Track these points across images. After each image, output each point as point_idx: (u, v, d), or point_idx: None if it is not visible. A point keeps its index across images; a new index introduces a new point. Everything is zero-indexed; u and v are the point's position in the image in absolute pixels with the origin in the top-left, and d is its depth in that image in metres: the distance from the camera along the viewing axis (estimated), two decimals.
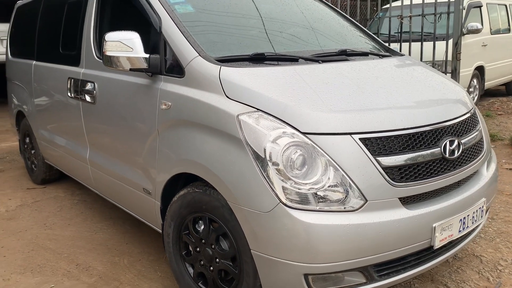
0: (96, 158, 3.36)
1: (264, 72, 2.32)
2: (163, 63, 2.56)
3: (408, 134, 2.16)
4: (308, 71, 2.38)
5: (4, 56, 5.33)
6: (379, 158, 2.05)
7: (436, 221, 2.18)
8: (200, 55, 2.40)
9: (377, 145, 2.07)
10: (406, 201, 2.14)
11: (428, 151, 2.19)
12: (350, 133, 2.04)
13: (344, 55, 2.78)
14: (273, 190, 1.97)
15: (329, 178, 1.98)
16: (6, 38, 5.41)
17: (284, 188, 1.96)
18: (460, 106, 2.52)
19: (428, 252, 2.25)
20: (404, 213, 2.08)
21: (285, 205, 1.95)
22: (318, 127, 2.03)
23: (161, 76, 2.58)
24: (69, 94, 3.54)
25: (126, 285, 2.84)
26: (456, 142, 2.31)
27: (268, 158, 1.99)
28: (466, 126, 2.48)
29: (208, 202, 2.29)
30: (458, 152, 2.31)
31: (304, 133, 2.02)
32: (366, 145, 2.05)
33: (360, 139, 2.05)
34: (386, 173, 2.05)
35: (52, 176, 4.78)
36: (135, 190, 2.90)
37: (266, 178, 1.98)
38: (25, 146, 5.01)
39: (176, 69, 2.49)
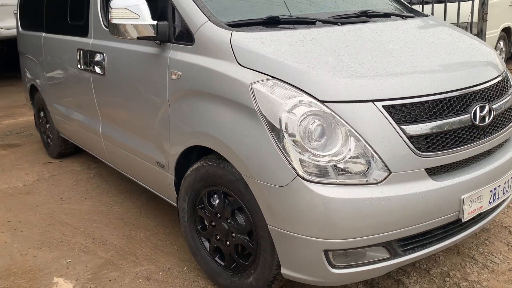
0: (108, 131, 3.29)
1: (278, 36, 2.16)
2: (172, 30, 2.42)
3: (435, 100, 2.00)
4: (326, 34, 2.21)
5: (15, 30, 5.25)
6: (404, 127, 1.90)
7: (464, 192, 2.04)
8: (210, 20, 2.25)
9: (402, 112, 1.92)
10: (433, 172, 2.00)
11: (457, 118, 2.03)
12: (373, 100, 1.89)
13: (365, 16, 2.59)
14: (289, 163, 1.85)
15: (349, 149, 1.85)
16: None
17: (301, 161, 1.84)
18: (491, 69, 2.33)
19: (456, 225, 2.13)
20: (430, 184, 1.95)
21: (303, 178, 1.83)
22: (338, 95, 1.89)
23: (170, 44, 2.44)
24: (79, 66, 3.44)
25: (142, 260, 2.80)
26: (487, 108, 2.14)
27: (284, 129, 1.86)
28: (497, 90, 2.30)
29: (222, 176, 2.20)
30: (489, 118, 2.15)
31: (322, 102, 1.88)
32: (390, 113, 1.90)
33: (383, 106, 1.90)
34: (412, 142, 1.91)
35: (68, 150, 4.75)
36: (149, 163, 2.82)
37: (282, 150, 1.86)
38: (40, 120, 4.98)
39: (185, 36, 2.35)
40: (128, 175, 3.30)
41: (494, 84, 2.28)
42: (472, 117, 2.08)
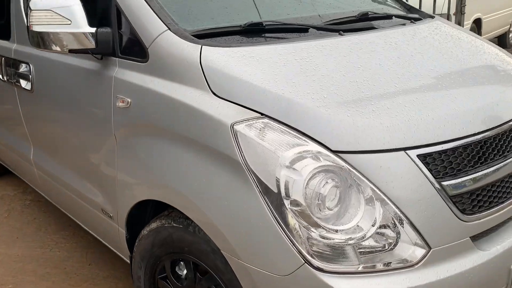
0: (42, 160, 2.60)
1: (266, 53, 1.57)
2: (117, 40, 1.79)
3: (479, 142, 1.49)
4: (329, 49, 1.65)
5: None
6: (444, 183, 1.38)
7: None
8: (170, 28, 1.64)
9: (441, 162, 1.40)
10: (476, 238, 1.50)
11: (504, 163, 1.54)
12: (404, 148, 1.36)
13: (367, 20, 2.04)
14: (293, 244, 1.29)
15: (375, 220, 1.31)
16: None
17: (309, 239, 1.29)
18: None
19: None
20: (478, 257, 1.45)
21: (312, 266, 1.28)
22: (357, 142, 1.34)
23: (115, 59, 1.81)
24: (0, 76, 2.72)
25: None
26: None
27: (283, 194, 1.29)
28: None
29: (192, 244, 1.61)
30: None
31: (336, 152, 1.33)
32: (426, 164, 1.37)
33: (418, 156, 1.37)
34: (455, 203, 1.40)
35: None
36: (93, 209, 2.18)
37: (281, 224, 1.30)
38: None
39: (135, 50, 1.72)
40: (69, 214, 2.64)
41: None
42: None
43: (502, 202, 1.53)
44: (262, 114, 1.39)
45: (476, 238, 1.50)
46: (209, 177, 1.45)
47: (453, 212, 1.39)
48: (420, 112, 1.43)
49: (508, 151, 1.57)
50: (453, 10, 5.77)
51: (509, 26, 9.15)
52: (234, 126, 1.39)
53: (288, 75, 1.47)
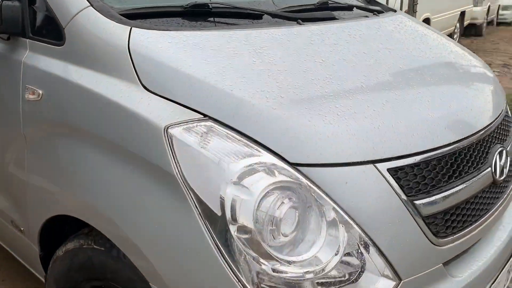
0: None
1: (212, 40, 1.30)
2: (28, 17, 1.45)
3: (455, 152, 1.30)
4: (287, 39, 1.40)
5: None
6: (417, 201, 1.18)
7: (486, 283, 1.40)
8: (92, 4, 1.33)
9: (414, 177, 1.19)
10: (447, 262, 1.32)
11: (480, 175, 1.37)
12: (373, 161, 1.14)
13: (327, 9, 1.82)
14: (238, 280, 1.04)
15: (338, 248, 1.09)
16: None
17: (259, 274, 1.04)
18: (498, 97, 1.70)
19: None
20: (451, 285, 1.27)
21: None
22: (320, 153, 1.10)
23: (24, 41, 1.47)
24: None
25: None
26: (504, 153, 1.51)
27: (229, 217, 1.04)
28: (506, 126, 1.68)
29: (116, 271, 1.31)
30: (506, 168, 1.52)
31: (294, 165, 1.08)
32: (397, 180, 1.16)
33: (389, 170, 1.15)
34: (428, 225, 1.20)
35: None
36: (2, 220, 1.83)
37: (224, 255, 1.04)
38: None
39: (50, 30, 1.40)
40: None
41: (503, 118, 1.66)
42: (493, 169, 1.43)
43: (476, 221, 1.36)
44: (204, 115, 1.13)
45: (447, 262, 1.32)
46: (136, 193, 1.16)
47: (426, 235, 1.19)
48: (391, 118, 1.22)
49: (482, 163, 1.40)
50: (405, 7, 5.76)
51: (453, 27, 9.40)
52: (169, 130, 1.11)
53: (238, 69, 1.21)
